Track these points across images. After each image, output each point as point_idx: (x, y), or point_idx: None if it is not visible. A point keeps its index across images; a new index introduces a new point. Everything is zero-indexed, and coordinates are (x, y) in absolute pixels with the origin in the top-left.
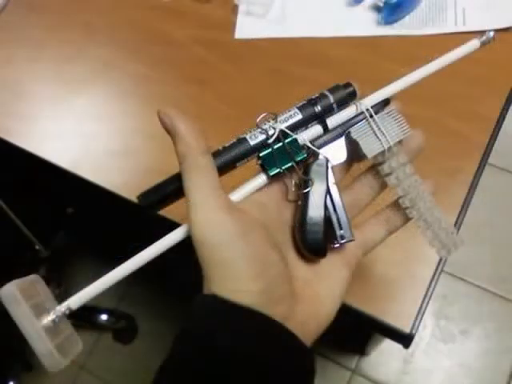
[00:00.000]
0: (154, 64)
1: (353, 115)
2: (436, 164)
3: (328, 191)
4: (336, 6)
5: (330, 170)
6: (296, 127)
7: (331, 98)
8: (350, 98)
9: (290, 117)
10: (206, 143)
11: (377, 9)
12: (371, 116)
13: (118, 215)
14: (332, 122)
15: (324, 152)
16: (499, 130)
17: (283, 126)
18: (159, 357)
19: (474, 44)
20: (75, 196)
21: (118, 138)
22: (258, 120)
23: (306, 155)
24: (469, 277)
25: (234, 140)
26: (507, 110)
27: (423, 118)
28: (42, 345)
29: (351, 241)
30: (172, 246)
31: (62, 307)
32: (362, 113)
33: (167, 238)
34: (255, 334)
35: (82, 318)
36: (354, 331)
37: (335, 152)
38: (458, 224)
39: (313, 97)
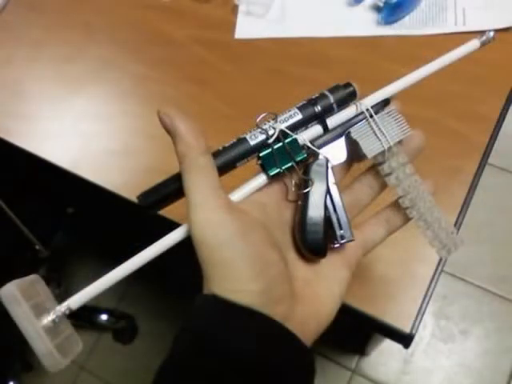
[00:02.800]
0: (154, 64)
1: (353, 115)
2: (436, 164)
3: (328, 191)
4: (336, 5)
5: (329, 170)
6: (296, 127)
7: (331, 98)
8: (350, 98)
9: (290, 117)
10: (206, 143)
11: (377, 9)
12: (371, 116)
13: (118, 215)
14: (332, 122)
15: (324, 152)
16: (499, 130)
17: (283, 126)
18: (159, 357)
19: (473, 44)
20: (75, 196)
21: (118, 138)
22: (257, 120)
23: (305, 155)
24: (469, 277)
25: (234, 140)
26: (507, 110)
27: (423, 118)
28: (42, 345)
29: (351, 241)
30: (172, 245)
31: (62, 307)
32: (362, 113)
33: (167, 238)
34: (255, 333)
35: (82, 317)
36: (354, 331)
37: (335, 152)
38: (457, 224)
39: (313, 97)
